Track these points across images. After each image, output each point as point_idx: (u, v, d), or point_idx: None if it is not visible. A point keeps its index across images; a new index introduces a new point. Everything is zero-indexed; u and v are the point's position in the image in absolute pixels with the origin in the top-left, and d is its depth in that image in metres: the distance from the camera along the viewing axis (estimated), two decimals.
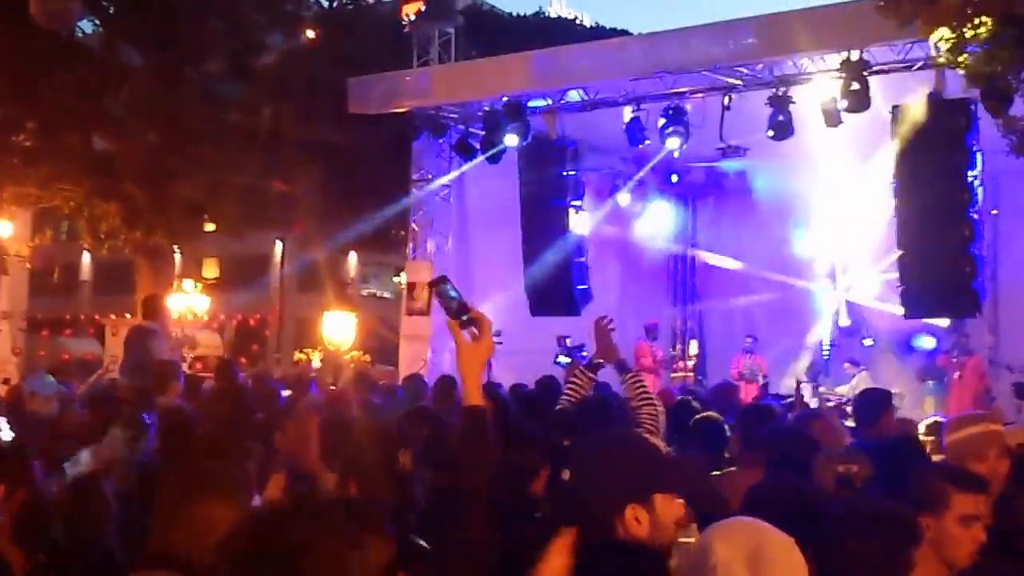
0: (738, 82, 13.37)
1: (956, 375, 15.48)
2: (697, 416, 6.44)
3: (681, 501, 2.77)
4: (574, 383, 6.06)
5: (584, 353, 10.82)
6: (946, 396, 15.64)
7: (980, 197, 12.20)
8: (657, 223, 19.04)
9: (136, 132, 15.29)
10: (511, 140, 14.52)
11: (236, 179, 15.89)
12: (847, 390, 16.15)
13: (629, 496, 2.66)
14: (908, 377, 16.21)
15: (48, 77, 15.04)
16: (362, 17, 18.39)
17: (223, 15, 16.01)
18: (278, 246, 32.55)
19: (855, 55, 11.96)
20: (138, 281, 17.12)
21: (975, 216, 12.07)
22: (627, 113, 14.29)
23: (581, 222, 15.37)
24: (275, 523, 2.00)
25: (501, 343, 6.16)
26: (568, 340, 15.04)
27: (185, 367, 14.40)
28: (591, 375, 6.07)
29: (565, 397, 6.07)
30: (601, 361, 6.07)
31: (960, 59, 9.72)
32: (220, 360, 12.91)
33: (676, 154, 15.69)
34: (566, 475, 2.88)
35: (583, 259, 15.39)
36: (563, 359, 6.89)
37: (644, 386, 5.82)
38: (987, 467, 4.00)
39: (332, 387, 11.99)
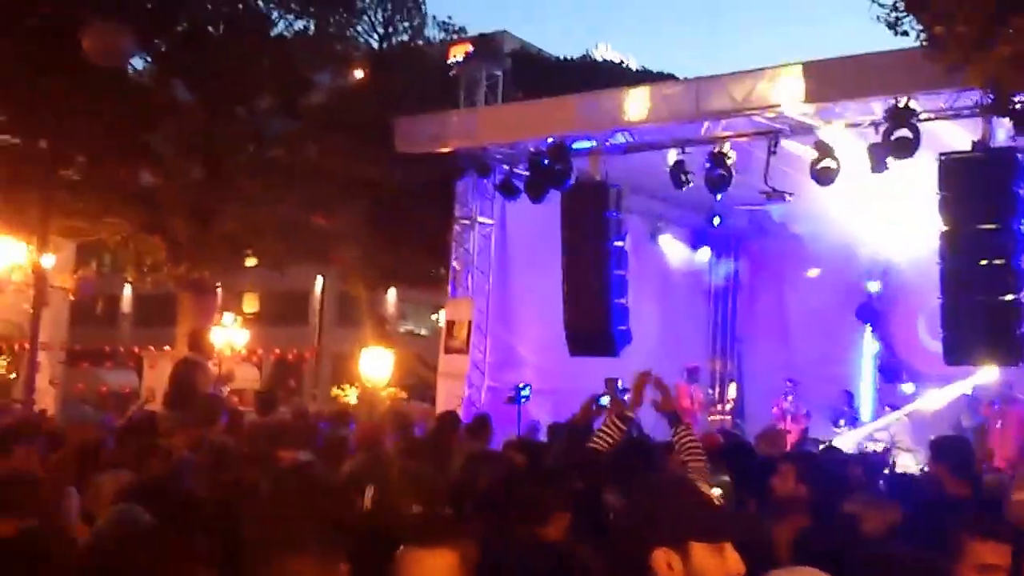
0: (783, 126, 13.40)
1: (997, 424, 15.33)
2: None
3: (735, 555, 2.63)
4: (605, 431, 6.05)
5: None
6: (984, 444, 15.49)
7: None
8: (698, 266, 19.07)
9: (182, 167, 15.53)
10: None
11: (278, 214, 16.06)
12: (885, 435, 16.06)
13: (660, 539, 2.57)
14: (946, 425, 16.08)
15: (98, 111, 15.30)
16: (410, 58, 18.62)
17: (272, 53, 16.28)
18: (318, 281, 32.79)
19: (902, 101, 11.98)
20: (179, 314, 17.32)
21: (1020, 265, 12.00)
22: (671, 156, 14.35)
23: (622, 263, 15.39)
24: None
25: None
26: (620, 382, 15.07)
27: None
28: (622, 425, 6.04)
29: (592, 444, 6.07)
30: (631, 414, 6.09)
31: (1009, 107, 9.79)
32: (262, 393, 12.98)
33: (719, 197, 15.76)
34: (611, 494, 2.84)
35: (623, 300, 15.39)
36: (605, 400, 6.93)
37: (694, 439, 5.86)
38: None
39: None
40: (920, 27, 8.76)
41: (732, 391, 19.23)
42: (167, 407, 10.85)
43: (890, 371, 17.76)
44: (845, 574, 3.49)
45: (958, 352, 12.85)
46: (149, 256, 17.02)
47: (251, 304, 36.76)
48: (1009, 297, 11.96)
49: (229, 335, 20.40)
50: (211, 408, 9.41)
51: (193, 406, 9.46)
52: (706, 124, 13.65)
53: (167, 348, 18.71)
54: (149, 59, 17.63)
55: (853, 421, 16.87)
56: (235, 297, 32.29)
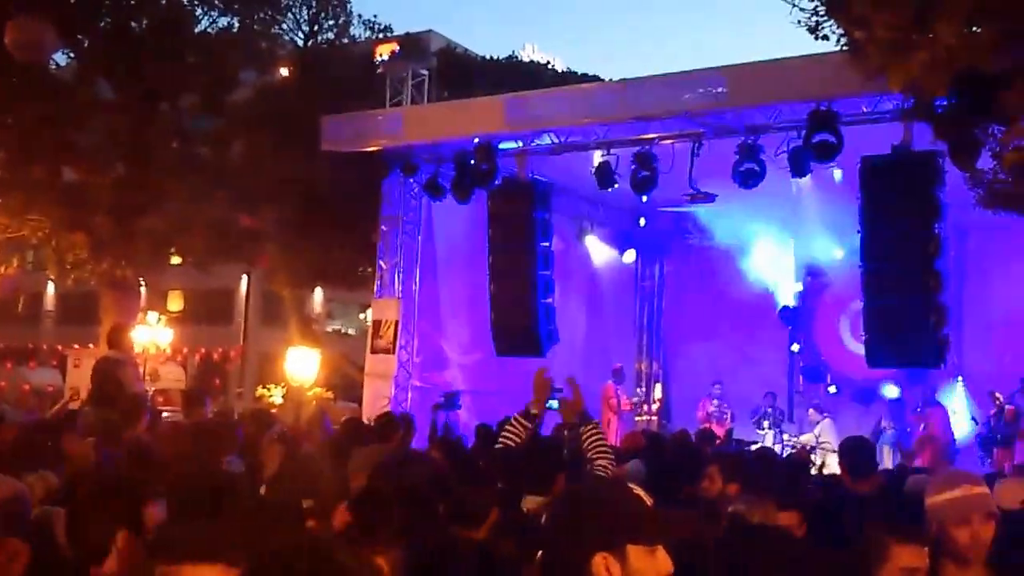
0: (701, 131, 13.50)
1: (921, 427, 15.61)
2: None
3: (664, 554, 2.62)
4: (511, 431, 5.99)
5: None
6: (907, 446, 15.77)
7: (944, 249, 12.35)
8: (625, 267, 19.16)
9: (105, 164, 15.18)
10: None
11: (204, 212, 15.79)
12: (810, 438, 16.27)
13: (598, 543, 2.53)
14: (870, 425, 16.32)
15: (19, 108, 14.93)
16: (336, 56, 18.42)
17: (197, 51, 16.00)
18: (244, 281, 32.35)
19: (824, 106, 12.12)
20: (102, 312, 16.95)
21: (941, 268, 12.20)
22: (597, 157, 14.38)
23: (549, 263, 15.39)
24: None
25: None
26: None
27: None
28: (527, 424, 5.98)
29: (499, 445, 6.00)
30: (536, 412, 6.03)
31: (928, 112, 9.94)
32: (187, 391, 12.69)
33: (644, 199, 15.82)
34: (543, 521, 2.77)
35: (550, 300, 15.41)
36: (554, 404, 6.88)
37: (602, 438, 5.80)
38: (969, 532, 3.81)
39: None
40: (840, 32, 8.84)
41: (658, 392, 19.34)
42: (91, 405, 10.63)
43: (814, 373, 17.99)
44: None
45: (880, 355, 13.02)
46: (72, 253, 16.63)
47: (176, 303, 36.16)
48: (930, 299, 12.15)
49: (153, 334, 19.96)
50: (134, 407, 9.18)
51: (116, 404, 9.25)
52: (632, 125, 13.66)
53: (91, 346, 18.27)
54: (72, 56, 17.23)
55: (778, 423, 17.04)
56: (160, 296, 31.73)
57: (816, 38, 9.12)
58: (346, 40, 18.66)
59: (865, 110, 12.32)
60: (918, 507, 5.75)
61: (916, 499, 6.56)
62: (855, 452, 6.77)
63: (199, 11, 16.76)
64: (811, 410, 16.84)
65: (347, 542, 3.47)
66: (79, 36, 16.15)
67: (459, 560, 4.26)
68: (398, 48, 15.91)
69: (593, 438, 5.70)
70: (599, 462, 5.53)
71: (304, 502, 4.99)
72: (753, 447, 12.85)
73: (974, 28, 7.51)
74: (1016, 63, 7.80)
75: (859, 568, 3.46)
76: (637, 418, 18.52)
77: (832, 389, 17.55)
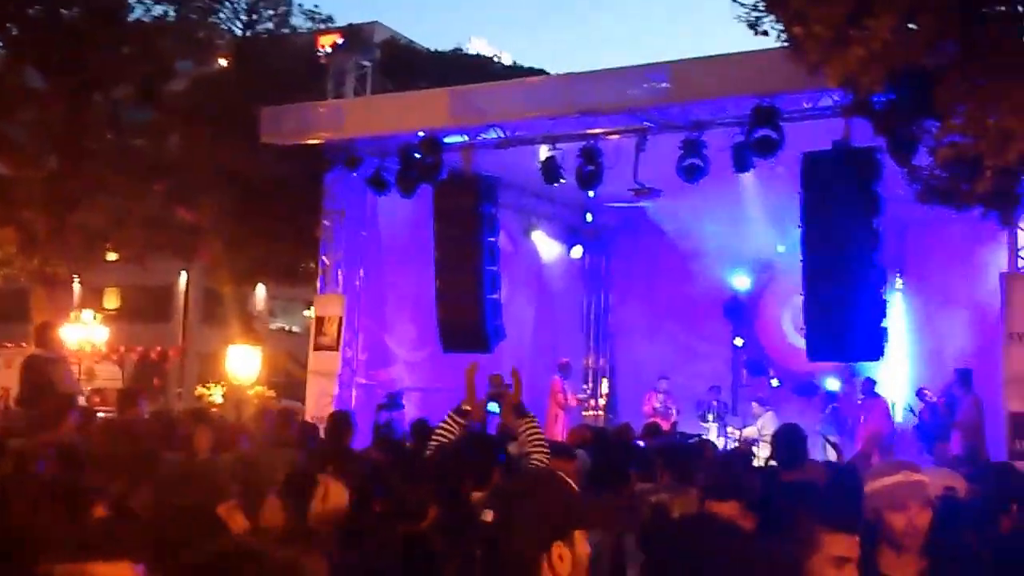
0: (646, 126, 13.49)
1: (862, 418, 15.75)
2: None
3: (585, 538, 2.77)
4: (444, 428, 5.98)
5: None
6: (847, 438, 15.91)
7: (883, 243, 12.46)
8: (571, 262, 19.14)
9: (37, 157, 14.81)
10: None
11: (140, 206, 15.46)
12: (753, 431, 16.35)
13: (556, 533, 2.67)
14: (812, 418, 16.44)
15: None
16: (277, 47, 18.12)
17: (133, 41, 15.65)
18: (183, 277, 31.86)
19: (766, 102, 12.15)
20: (34, 310, 16.54)
21: (880, 262, 12.31)
22: (543, 152, 14.31)
23: (495, 259, 15.31)
24: None
25: None
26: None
27: (82, 400, 13.91)
28: (461, 420, 5.98)
29: (433, 442, 5.97)
30: (469, 408, 6.04)
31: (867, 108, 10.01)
32: (122, 390, 12.45)
33: (591, 194, 15.80)
34: (488, 516, 2.74)
35: (497, 296, 15.32)
36: (494, 407, 6.80)
37: (538, 432, 5.79)
38: (906, 519, 3.85)
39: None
40: (780, 27, 8.84)
41: (605, 387, 19.35)
42: (19, 405, 10.44)
43: (757, 366, 18.10)
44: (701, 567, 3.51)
45: (820, 348, 13.11)
46: (1, 250, 16.21)
47: (112, 300, 35.48)
48: (869, 293, 12.25)
49: (89, 332, 19.51)
50: (60, 406, 8.98)
51: (43, 404, 9.08)
52: (578, 120, 13.61)
53: (23, 344, 17.88)
54: (0, 44, 16.79)
55: (722, 416, 17.12)
56: (95, 293, 31.12)
57: (756, 33, 9.12)
58: (286, 30, 18.34)
59: (806, 106, 12.40)
60: (853, 497, 5.80)
61: (852, 489, 6.64)
62: (786, 442, 6.81)
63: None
64: (754, 403, 16.93)
65: (277, 540, 3.40)
66: (7, 24, 15.72)
67: (399, 555, 4.26)
68: (341, 40, 15.64)
69: (529, 432, 5.72)
70: (534, 455, 5.56)
71: (230, 499, 4.88)
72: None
73: (909, 24, 7.53)
74: (950, 59, 7.85)
75: (789, 558, 3.42)
76: (584, 413, 18.51)
77: (775, 382, 17.68)
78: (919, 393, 15.07)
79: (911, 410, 15.50)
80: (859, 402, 16.05)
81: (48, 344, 11.37)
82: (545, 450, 5.69)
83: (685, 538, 3.33)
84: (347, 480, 5.09)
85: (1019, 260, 12.25)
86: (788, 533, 3.55)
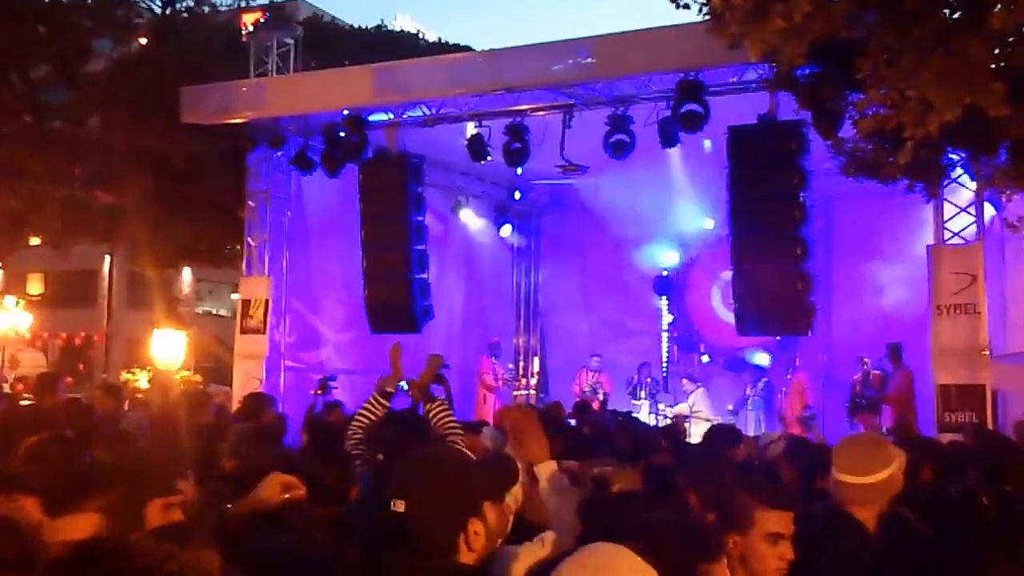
0: (572, 102, 13.42)
1: (781, 391, 15.94)
2: None
3: (510, 506, 2.92)
4: (368, 409, 5.96)
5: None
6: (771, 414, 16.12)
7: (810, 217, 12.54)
8: (501, 240, 19.06)
9: None
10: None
11: (60, 190, 15.00)
12: (684, 408, 16.46)
13: (470, 510, 2.71)
14: (742, 394, 16.60)
15: None
16: (198, 26, 17.64)
17: (47, 19, 15.13)
18: (107, 261, 31.17)
19: (691, 76, 12.13)
20: None
21: (807, 236, 12.38)
22: (470, 129, 14.19)
23: (423, 238, 15.17)
24: None
25: None
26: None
27: (7, 387, 13.54)
28: (384, 402, 5.98)
29: (356, 423, 5.92)
30: (391, 389, 6.04)
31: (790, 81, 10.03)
32: (42, 375, 12.08)
33: (519, 171, 15.71)
34: (400, 506, 2.72)
35: (424, 275, 15.20)
36: (403, 384, 6.76)
37: (448, 415, 5.80)
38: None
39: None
40: (702, 0, 8.79)
41: (536, 365, 19.32)
42: None
43: (687, 342, 18.20)
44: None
45: (749, 323, 13.21)
46: None
47: (35, 286, 34.61)
48: (797, 267, 12.33)
49: (12, 319, 18.91)
50: None
51: None
52: (504, 97, 13.48)
53: None
54: None
55: (653, 393, 17.19)
56: (17, 278, 30.31)
57: (678, 7, 9.04)
58: (206, 8, 17.89)
59: (732, 80, 12.39)
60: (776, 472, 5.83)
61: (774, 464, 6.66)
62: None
63: None
64: (684, 380, 17.05)
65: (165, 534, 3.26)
66: None
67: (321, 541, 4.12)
68: (263, 17, 15.31)
69: (439, 416, 5.74)
70: (450, 439, 5.55)
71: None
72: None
73: None
74: (870, 30, 7.85)
75: (719, 534, 3.41)
76: (515, 393, 18.47)
77: (705, 358, 17.79)
78: (857, 360, 15.19)
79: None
80: (788, 377, 16.21)
81: None
82: (459, 432, 5.75)
83: (622, 512, 3.30)
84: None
85: (945, 232, 12.39)
86: (724, 509, 3.55)
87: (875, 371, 15.02)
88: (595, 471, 4.92)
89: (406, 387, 6.31)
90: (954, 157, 11.04)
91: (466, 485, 2.78)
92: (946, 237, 12.41)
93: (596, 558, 2.44)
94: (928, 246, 12.56)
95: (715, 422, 14.28)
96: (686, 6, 8.88)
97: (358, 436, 5.83)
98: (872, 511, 4.05)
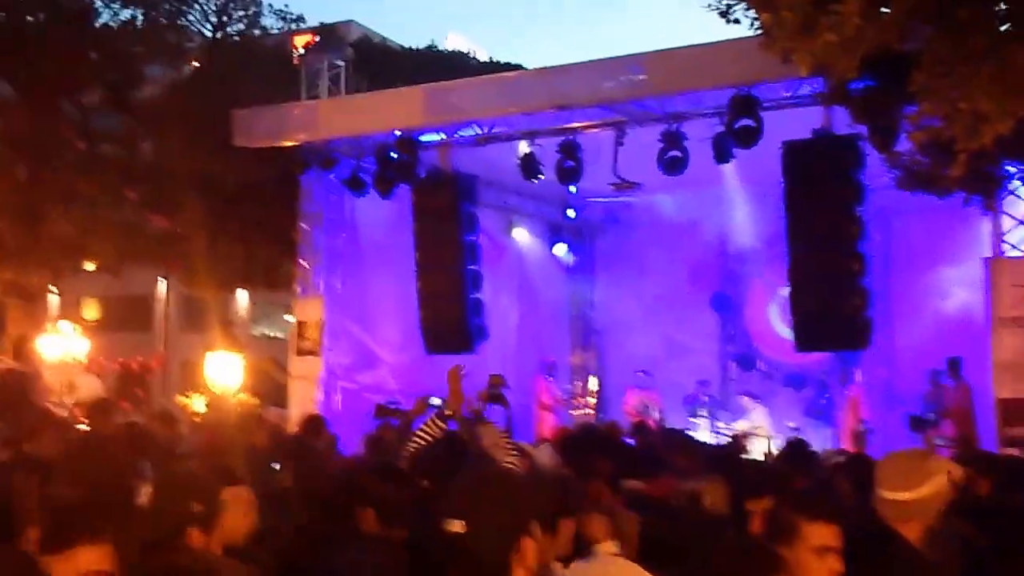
0: (624, 119, 13.31)
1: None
2: None
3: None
4: (426, 431, 5.86)
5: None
6: (834, 428, 15.83)
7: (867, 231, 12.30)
8: (555, 258, 18.96)
9: (6, 167, 14.54)
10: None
11: (114, 215, 15.20)
12: (746, 425, 16.16)
13: (522, 530, 2.67)
14: (803, 410, 16.31)
15: None
16: (250, 49, 17.83)
17: (100, 46, 15.37)
18: (162, 285, 31.52)
19: (744, 91, 11.96)
20: (9, 323, 16.29)
21: (864, 250, 12.14)
22: (522, 148, 14.13)
23: (476, 258, 15.13)
24: None
25: None
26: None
27: (65, 413, 13.69)
28: (442, 424, 5.89)
29: (413, 444, 5.83)
30: (451, 412, 5.95)
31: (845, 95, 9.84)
32: (97, 400, 12.23)
33: (573, 189, 15.63)
34: (456, 526, 2.68)
35: (479, 295, 15.15)
36: (435, 400, 6.75)
37: (502, 436, 5.76)
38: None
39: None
40: (752, 15, 8.64)
41: (593, 384, 19.14)
42: None
43: (746, 359, 17.90)
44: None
45: (807, 339, 13.00)
46: None
47: (91, 311, 35.07)
48: (854, 282, 12.10)
49: (68, 344, 19.15)
50: (36, 419, 8.87)
51: (20, 418, 8.98)
52: (556, 115, 13.42)
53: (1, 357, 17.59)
54: None
55: (712, 411, 16.93)
56: (74, 304, 30.76)
57: (728, 22, 8.91)
58: (257, 31, 18.04)
59: (786, 95, 12.22)
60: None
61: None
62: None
63: (100, 4, 16.06)
64: (744, 397, 16.71)
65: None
66: None
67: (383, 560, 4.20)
68: (314, 39, 15.41)
69: (491, 437, 5.68)
70: (506, 460, 5.48)
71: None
72: None
73: (881, 8, 7.34)
74: (924, 42, 7.66)
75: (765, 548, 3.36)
76: (573, 412, 18.31)
77: (764, 375, 17.49)
78: (930, 373, 14.83)
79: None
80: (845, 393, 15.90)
81: (25, 358, 11.28)
82: (512, 452, 5.64)
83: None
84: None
85: (1003, 244, 12.09)
86: (771, 523, 3.56)
87: (931, 385, 14.72)
88: (688, 486, 4.84)
89: (439, 403, 6.25)
90: (1011, 169, 10.82)
91: (515, 505, 2.75)
92: (1004, 250, 12.09)
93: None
94: (985, 259, 12.28)
95: (776, 439, 14.09)
96: (736, 21, 8.75)
97: (409, 458, 5.77)
98: (916, 526, 3.93)
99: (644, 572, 3.89)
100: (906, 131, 9.30)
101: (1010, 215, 12.08)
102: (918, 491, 3.90)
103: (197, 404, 16.52)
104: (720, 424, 16.78)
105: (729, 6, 8.61)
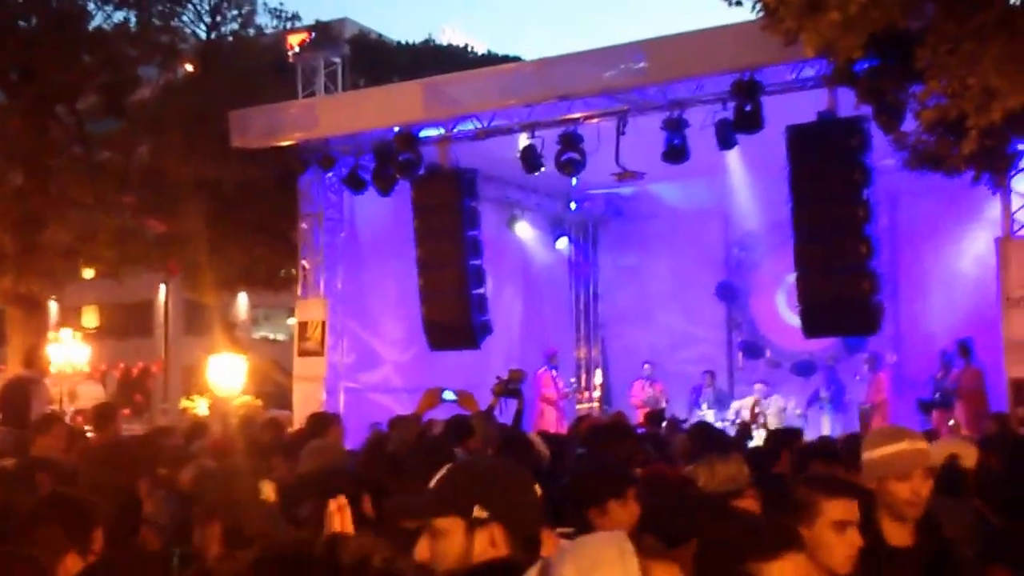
0: (625, 108, 13.16)
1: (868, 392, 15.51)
2: None
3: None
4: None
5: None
6: (842, 414, 15.69)
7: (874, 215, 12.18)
8: (558, 252, 18.82)
9: (1, 174, 14.39)
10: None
11: (111, 220, 15.06)
12: (746, 411, 15.97)
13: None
14: (811, 395, 16.17)
15: None
16: (244, 48, 17.67)
17: (92, 49, 15.19)
18: (162, 290, 31.42)
19: (746, 76, 11.82)
20: (10, 332, 16.13)
21: (872, 234, 12.02)
22: (522, 140, 13.97)
23: (479, 253, 14.99)
24: None
25: None
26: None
27: (66, 419, 13.57)
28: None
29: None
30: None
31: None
32: (99, 406, 12.11)
33: (574, 181, 15.48)
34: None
35: (482, 291, 15.01)
36: (449, 395, 6.66)
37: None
38: (910, 488, 3.78)
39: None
40: None
41: (598, 377, 18.98)
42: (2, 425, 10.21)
43: (753, 348, 17.74)
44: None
45: (816, 324, 12.92)
46: None
47: (91, 318, 34.88)
48: (862, 266, 11.98)
49: (69, 352, 19.01)
50: (40, 424, 8.77)
51: (26, 425, 8.87)
52: (555, 106, 13.27)
53: (2, 367, 17.48)
54: None
55: (718, 401, 16.77)
56: (73, 311, 30.61)
57: (730, 4, 8.81)
58: (252, 30, 17.87)
59: (789, 78, 12.09)
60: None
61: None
62: None
63: (92, 6, 15.85)
64: (758, 384, 16.50)
65: None
66: None
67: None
68: (309, 37, 15.26)
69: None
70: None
71: None
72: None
73: None
74: (929, 19, 7.54)
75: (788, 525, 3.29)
76: (578, 406, 18.17)
77: (773, 364, 17.34)
78: (940, 355, 14.71)
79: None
80: (857, 378, 15.77)
81: (34, 366, 11.19)
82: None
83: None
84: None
85: (1014, 224, 11.96)
86: (789, 501, 3.53)
87: (941, 367, 14.60)
88: (687, 469, 4.90)
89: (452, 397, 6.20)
90: (1021, 147, 10.69)
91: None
92: (1015, 228, 11.97)
93: (585, 549, 2.26)
94: (996, 238, 12.16)
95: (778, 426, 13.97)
96: (739, 3, 8.66)
97: None
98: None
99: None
100: (913, 110, 9.18)
101: (1020, 193, 11.93)
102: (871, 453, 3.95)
103: (200, 407, 16.42)
104: (729, 412, 16.63)
105: None
